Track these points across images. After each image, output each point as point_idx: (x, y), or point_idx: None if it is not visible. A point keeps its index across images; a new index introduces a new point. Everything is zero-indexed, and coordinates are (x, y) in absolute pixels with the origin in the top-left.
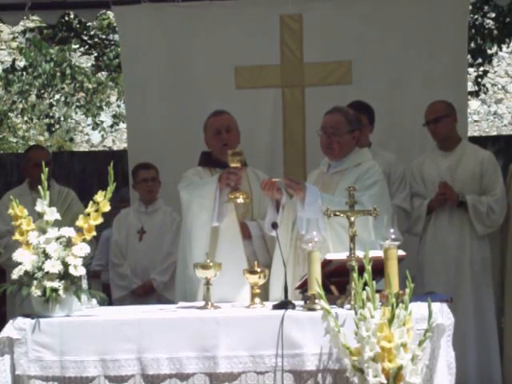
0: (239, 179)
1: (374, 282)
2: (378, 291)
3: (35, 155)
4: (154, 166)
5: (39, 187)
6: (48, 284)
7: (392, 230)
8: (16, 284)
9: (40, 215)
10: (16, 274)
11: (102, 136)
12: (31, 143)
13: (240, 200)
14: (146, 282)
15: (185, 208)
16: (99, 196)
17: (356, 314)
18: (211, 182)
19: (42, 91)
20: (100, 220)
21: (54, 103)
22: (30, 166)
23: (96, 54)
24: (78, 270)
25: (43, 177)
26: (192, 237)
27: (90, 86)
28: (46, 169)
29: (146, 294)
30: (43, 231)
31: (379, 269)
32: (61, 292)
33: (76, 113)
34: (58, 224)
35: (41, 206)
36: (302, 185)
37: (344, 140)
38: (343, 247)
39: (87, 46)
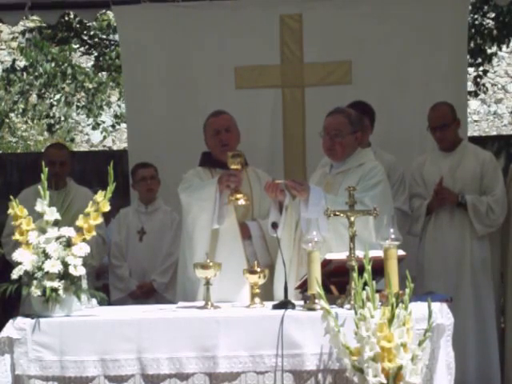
0: (239, 181)
1: (373, 282)
2: (377, 291)
3: (50, 153)
4: (153, 165)
5: (53, 185)
6: (48, 284)
7: (392, 230)
8: (15, 284)
9: (40, 215)
10: (16, 273)
11: (104, 137)
12: (30, 143)
13: (241, 202)
14: (144, 283)
15: (185, 210)
16: (99, 196)
17: (356, 313)
18: (211, 184)
19: (43, 91)
20: (100, 220)
21: (55, 103)
22: (45, 164)
23: (96, 54)
24: (78, 269)
25: (43, 177)
26: (193, 239)
27: (91, 86)
28: (46, 168)
29: (145, 295)
30: (43, 231)
31: (379, 269)
32: (61, 292)
33: (78, 114)
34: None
35: (41, 205)
36: (305, 186)
37: (346, 141)
38: (345, 247)
39: (87, 46)
